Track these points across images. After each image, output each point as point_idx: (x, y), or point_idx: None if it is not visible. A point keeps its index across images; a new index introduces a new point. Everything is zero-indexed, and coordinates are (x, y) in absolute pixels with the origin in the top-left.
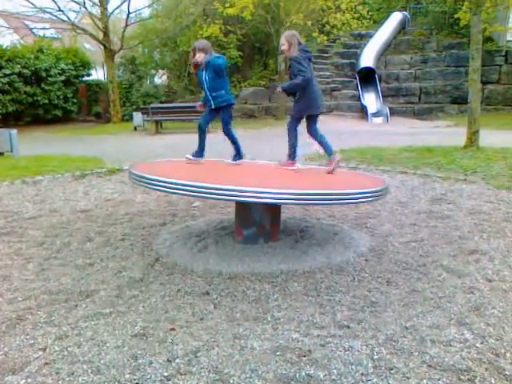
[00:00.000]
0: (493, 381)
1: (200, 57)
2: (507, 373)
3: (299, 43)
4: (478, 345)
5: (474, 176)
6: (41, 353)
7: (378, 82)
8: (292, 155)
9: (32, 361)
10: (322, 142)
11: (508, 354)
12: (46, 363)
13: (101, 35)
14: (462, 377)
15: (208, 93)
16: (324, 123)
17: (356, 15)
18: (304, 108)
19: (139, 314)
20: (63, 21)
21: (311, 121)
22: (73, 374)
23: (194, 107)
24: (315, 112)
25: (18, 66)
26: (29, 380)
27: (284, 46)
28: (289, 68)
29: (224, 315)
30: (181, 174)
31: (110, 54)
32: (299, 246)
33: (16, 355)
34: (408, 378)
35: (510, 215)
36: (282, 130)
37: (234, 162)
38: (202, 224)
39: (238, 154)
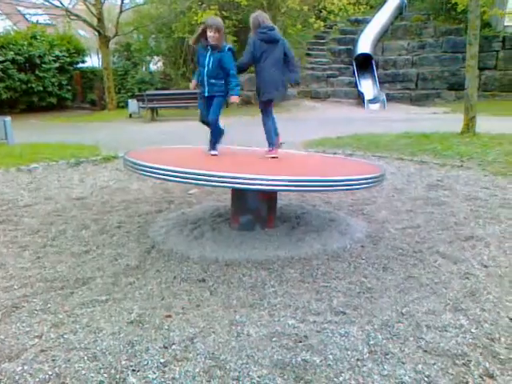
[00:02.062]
0: (487, 365)
1: (214, 37)
2: (502, 357)
3: (259, 25)
4: (473, 330)
5: (470, 162)
6: (37, 340)
7: (374, 68)
8: (269, 142)
9: (28, 348)
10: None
11: (503, 339)
12: (42, 350)
13: (95, 21)
14: (457, 361)
15: (206, 78)
16: (320, 110)
17: (353, 0)
18: (257, 92)
19: (135, 301)
20: (57, 6)
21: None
22: (69, 360)
23: (190, 94)
24: (264, 98)
25: (12, 53)
26: (25, 367)
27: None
28: None
29: (220, 302)
30: (177, 160)
31: (104, 40)
32: (295, 232)
33: (12, 342)
34: (403, 363)
35: (506, 201)
36: (277, 116)
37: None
38: (198, 211)
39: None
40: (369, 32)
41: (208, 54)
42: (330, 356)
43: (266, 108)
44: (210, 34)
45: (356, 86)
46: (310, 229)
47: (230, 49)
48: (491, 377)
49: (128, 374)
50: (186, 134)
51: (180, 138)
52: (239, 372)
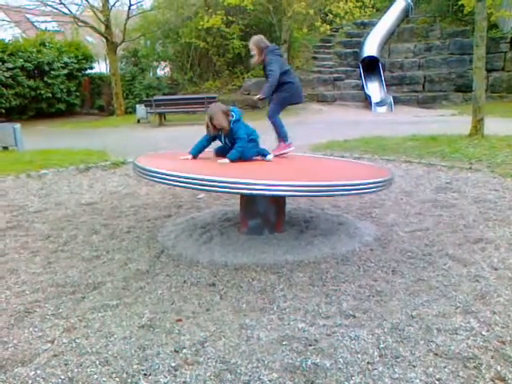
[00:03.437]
0: (499, 368)
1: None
2: None
3: (266, 45)
4: (483, 333)
5: (478, 164)
6: (49, 345)
7: (381, 70)
8: (285, 138)
9: (41, 353)
10: (281, 127)
11: None
12: (55, 355)
13: (103, 28)
14: (468, 364)
15: (229, 145)
16: (327, 113)
17: (359, 3)
18: (288, 96)
19: (146, 306)
20: (65, 14)
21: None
22: (81, 365)
23: (197, 99)
24: (298, 101)
25: (21, 60)
26: (38, 372)
27: (254, 51)
28: (264, 69)
29: (230, 306)
30: (186, 165)
31: (112, 46)
32: (304, 236)
33: (25, 347)
34: (414, 367)
35: None
36: (285, 120)
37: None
38: (206, 216)
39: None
40: (375, 35)
41: (222, 136)
42: (341, 359)
43: (283, 109)
44: (213, 123)
45: (363, 88)
46: (319, 232)
47: (235, 121)
48: (503, 380)
49: (139, 378)
50: (194, 139)
51: (188, 142)
52: (250, 376)
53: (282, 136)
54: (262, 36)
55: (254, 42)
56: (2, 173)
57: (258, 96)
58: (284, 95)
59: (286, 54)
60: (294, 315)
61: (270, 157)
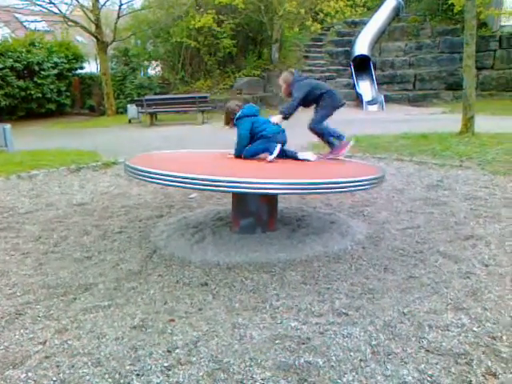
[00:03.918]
0: (489, 363)
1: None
2: (504, 355)
3: (293, 76)
4: (474, 329)
5: (469, 162)
6: (41, 346)
7: (372, 69)
8: (340, 136)
9: (32, 354)
10: (325, 129)
11: (504, 337)
12: (47, 357)
13: (93, 27)
14: (460, 360)
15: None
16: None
17: (349, 2)
18: (330, 103)
19: (138, 306)
20: (54, 13)
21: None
22: (73, 366)
23: (188, 98)
24: (340, 104)
25: (10, 60)
26: (29, 374)
27: (282, 86)
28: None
29: (223, 305)
30: (177, 165)
31: (102, 46)
32: (296, 235)
33: (16, 349)
34: (406, 363)
35: (506, 200)
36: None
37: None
38: (198, 215)
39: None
40: (366, 33)
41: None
42: (333, 357)
43: (328, 117)
44: None
45: (354, 87)
46: (311, 231)
47: (237, 118)
48: (494, 375)
49: (132, 379)
50: (185, 139)
51: (180, 142)
52: (243, 375)
53: (336, 136)
54: (291, 70)
55: (284, 79)
56: None
57: (275, 118)
58: (326, 103)
59: (277, 54)
60: (287, 314)
61: (271, 157)
